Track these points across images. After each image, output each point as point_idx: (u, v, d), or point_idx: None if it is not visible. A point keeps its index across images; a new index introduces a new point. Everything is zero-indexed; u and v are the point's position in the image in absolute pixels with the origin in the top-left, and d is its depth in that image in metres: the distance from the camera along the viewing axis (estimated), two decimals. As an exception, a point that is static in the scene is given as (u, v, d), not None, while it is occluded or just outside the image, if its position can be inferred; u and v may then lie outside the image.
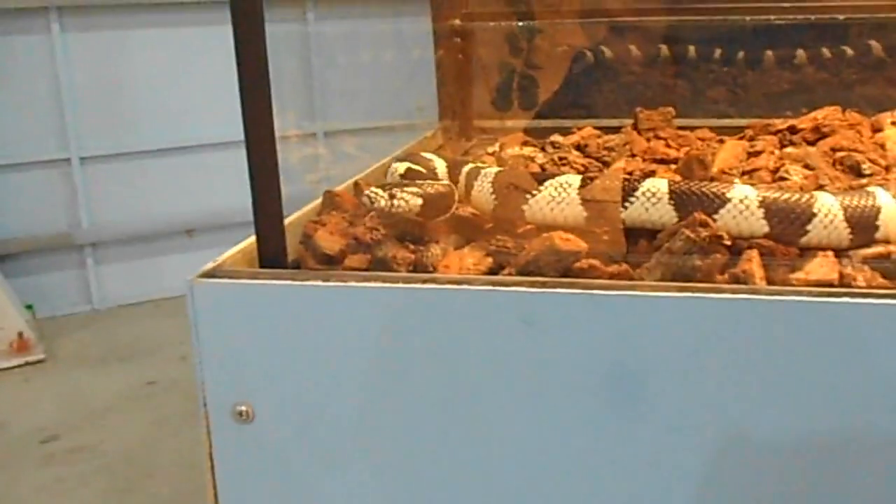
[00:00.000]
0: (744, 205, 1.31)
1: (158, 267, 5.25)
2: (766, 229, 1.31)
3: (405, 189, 1.44)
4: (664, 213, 1.35)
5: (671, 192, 1.35)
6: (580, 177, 1.45)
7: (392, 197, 1.42)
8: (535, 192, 1.42)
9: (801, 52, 2.59)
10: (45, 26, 4.82)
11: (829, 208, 1.31)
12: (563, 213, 1.40)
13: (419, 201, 1.43)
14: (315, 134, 5.21)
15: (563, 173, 1.73)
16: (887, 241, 1.35)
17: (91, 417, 3.86)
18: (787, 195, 1.33)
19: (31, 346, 4.42)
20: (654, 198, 1.36)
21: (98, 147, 5.03)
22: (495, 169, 1.54)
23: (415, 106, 2.98)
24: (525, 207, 1.42)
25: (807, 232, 1.31)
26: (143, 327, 4.85)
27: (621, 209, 1.37)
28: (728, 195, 1.32)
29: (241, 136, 1.31)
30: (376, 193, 1.42)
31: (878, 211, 1.33)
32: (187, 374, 4.25)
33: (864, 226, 1.33)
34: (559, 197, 1.41)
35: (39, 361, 4.40)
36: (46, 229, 5.01)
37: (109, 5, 4.94)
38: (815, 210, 1.30)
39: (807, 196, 1.33)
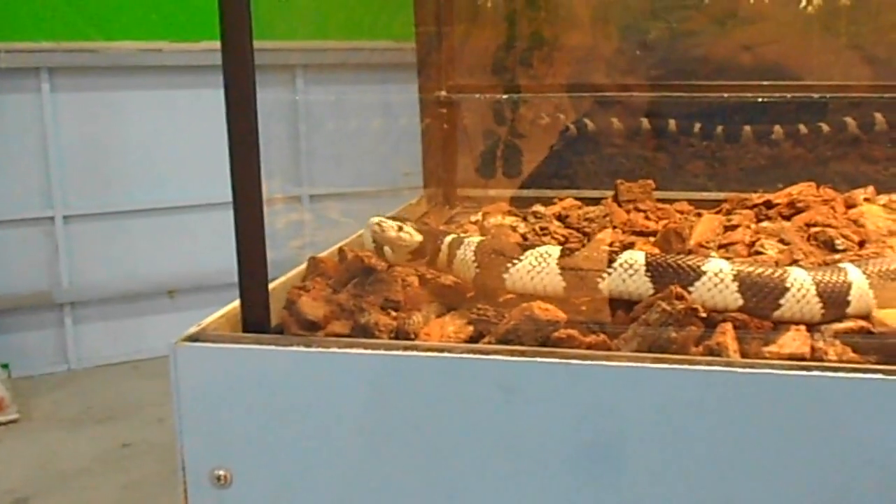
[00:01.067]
0: (718, 278, 1.34)
1: (138, 327, 5.23)
2: (741, 303, 1.34)
3: (409, 224, 1.56)
4: (641, 285, 1.38)
5: (648, 264, 1.39)
6: (560, 247, 1.48)
7: (400, 229, 1.54)
8: (515, 261, 1.45)
9: (778, 128, 2.66)
10: (36, 86, 4.87)
11: (801, 283, 1.34)
12: (543, 283, 1.42)
13: (419, 238, 1.55)
14: (300, 197, 5.24)
15: (544, 244, 1.77)
16: (858, 317, 1.38)
17: (63, 480, 3.80)
18: (760, 269, 1.36)
19: (5, 405, 4.37)
20: (631, 269, 1.39)
21: (82, 206, 5.04)
22: (478, 238, 1.57)
23: (400, 173, 3.02)
24: (506, 276, 1.45)
25: (780, 306, 1.34)
26: (121, 388, 4.81)
27: (599, 280, 1.40)
28: (703, 268, 1.35)
29: (225, 198, 1.35)
30: (388, 224, 1.54)
31: (849, 286, 1.36)
32: (163, 437, 4.20)
33: (835, 301, 1.36)
34: (539, 267, 1.43)
35: (13, 422, 4.34)
36: (26, 287, 4.99)
37: (99, 67, 5.00)
38: (788, 285, 1.34)
39: (780, 271, 1.37)
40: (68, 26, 4.91)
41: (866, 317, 1.38)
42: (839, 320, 1.36)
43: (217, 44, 1.33)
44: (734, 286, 1.34)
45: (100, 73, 5.02)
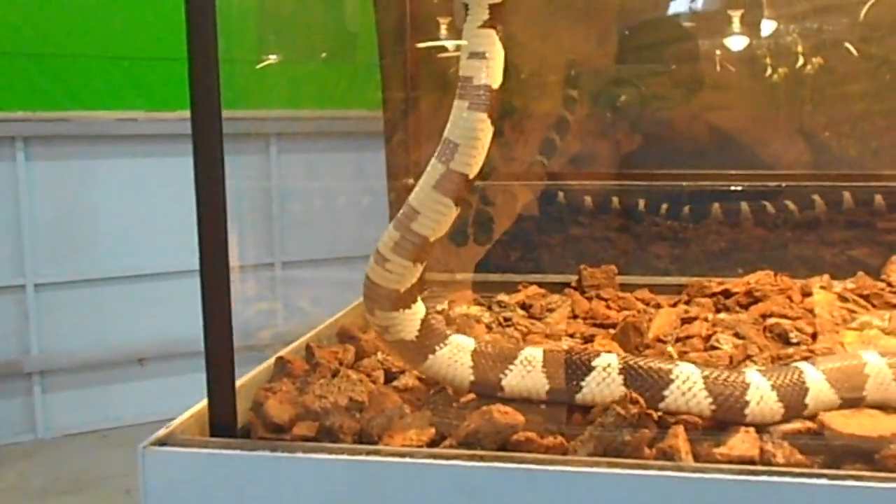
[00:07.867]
0: (607, 372, 1.41)
1: (108, 396, 5.19)
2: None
3: None
4: (538, 381, 1.45)
5: (545, 360, 1.46)
6: (474, 340, 1.53)
7: None
8: (439, 347, 1.49)
9: (745, 208, 2.75)
10: (11, 155, 4.90)
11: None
12: (454, 373, 1.48)
13: None
14: (273, 265, 5.27)
15: (507, 335, 1.82)
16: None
17: (28, 554, 3.76)
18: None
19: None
20: (530, 366, 1.46)
21: (54, 274, 5.04)
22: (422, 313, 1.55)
23: (372, 241, 3.06)
24: (427, 361, 1.50)
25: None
26: (89, 458, 4.76)
27: (501, 376, 1.46)
28: (594, 364, 1.43)
29: (195, 266, 1.37)
30: None
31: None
32: (131, 509, 4.11)
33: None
34: (455, 357, 1.49)
35: (-22, 493, 4.31)
36: (-5, 356, 4.97)
37: (74, 136, 5.03)
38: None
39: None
40: (43, 96, 4.96)
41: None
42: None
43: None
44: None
45: (75, 141, 5.06)
